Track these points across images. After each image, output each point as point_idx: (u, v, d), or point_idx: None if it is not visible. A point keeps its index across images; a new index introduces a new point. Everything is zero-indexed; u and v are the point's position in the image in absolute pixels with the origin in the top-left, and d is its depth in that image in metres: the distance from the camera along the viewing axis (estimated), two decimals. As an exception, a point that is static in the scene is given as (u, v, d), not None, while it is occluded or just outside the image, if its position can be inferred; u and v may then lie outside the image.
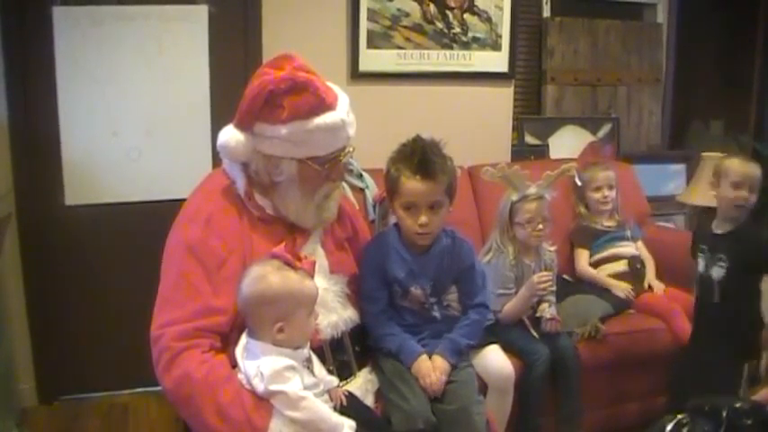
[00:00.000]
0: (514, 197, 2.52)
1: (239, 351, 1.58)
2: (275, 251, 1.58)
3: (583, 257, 3.04)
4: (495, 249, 2.58)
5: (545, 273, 2.49)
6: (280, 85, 1.61)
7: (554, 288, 2.61)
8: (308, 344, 1.61)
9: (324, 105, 1.64)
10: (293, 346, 1.55)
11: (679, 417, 1.07)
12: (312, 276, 1.60)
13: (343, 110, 1.68)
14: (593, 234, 3.05)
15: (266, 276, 1.54)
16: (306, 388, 1.54)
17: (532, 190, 2.50)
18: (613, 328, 2.70)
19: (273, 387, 1.50)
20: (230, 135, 1.67)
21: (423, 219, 1.82)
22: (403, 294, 1.91)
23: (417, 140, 1.87)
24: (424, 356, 1.86)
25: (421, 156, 1.81)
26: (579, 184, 3.07)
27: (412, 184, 1.81)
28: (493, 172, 2.51)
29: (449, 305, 1.98)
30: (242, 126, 1.66)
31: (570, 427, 2.51)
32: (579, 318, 2.68)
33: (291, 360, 1.53)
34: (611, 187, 3.09)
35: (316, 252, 1.77)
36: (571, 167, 2.58)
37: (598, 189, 3.08)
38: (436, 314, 1.95)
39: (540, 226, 2.49)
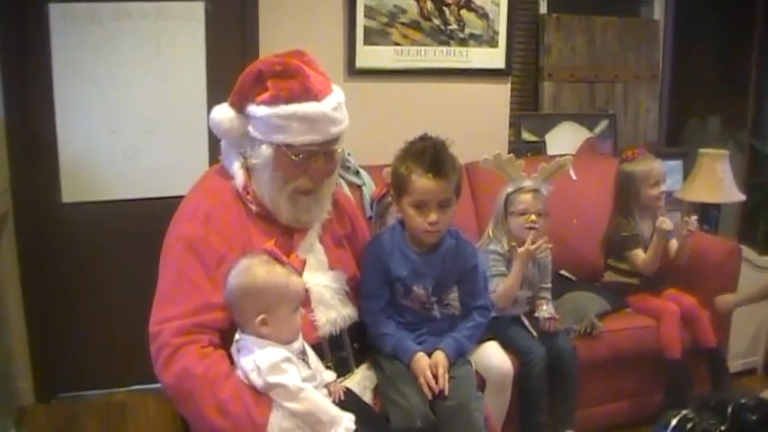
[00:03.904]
0: (510, 189, 2.53)
1: (234, 348, 1.59)
2: (266, 246, 1.58)
3: (640, 256, 2.82)
4: (486, 238, 2.59)
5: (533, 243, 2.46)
6: (271, 67, 1.63)
7: (549, 285, 2.63)
8: (301, 337, 1.61)
9: (308, 95, 1.62)
10: (281, 342, 1.55)
11: (684, 412, 1.07)
12: (300, 274, 1.60)
13: (329, 105, 1.65)
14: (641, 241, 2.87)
15: (252, 268, 1.54)
16: (303, 380, 1.54)
17: (528, 182, 2.51)
18: (609, 326, 2.71)
19: (272, 379, 1.50)
20: (222, 112, 1.70)
21: (433, 217, 1.81)
22: (405, 293, 1.91)
23: (426, 139, 1.86)
24: (420, 354, 1.86)
25: (433, 154, 1.80)
26: (623, 177, 2.90)
27: (423, 183, 1.80)
28: (489, 161, 2.53)
29: (449, 304, 1.98)
30: (233, 103, 1.69)
31: (565, 424, 2.52)
32: (576, 315, 2.69)
33: (287, 352, 1.54)
34: (664, 181, 2.88)
35: (314, 248, 1.77)
36: (566, 161, 2.58)
37: (656, 185, 2.84)
38: (436, 313, 1.94)
39: (534, 218, 2.48)
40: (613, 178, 2.98)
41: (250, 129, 1.67)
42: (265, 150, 1.66)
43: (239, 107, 1.67)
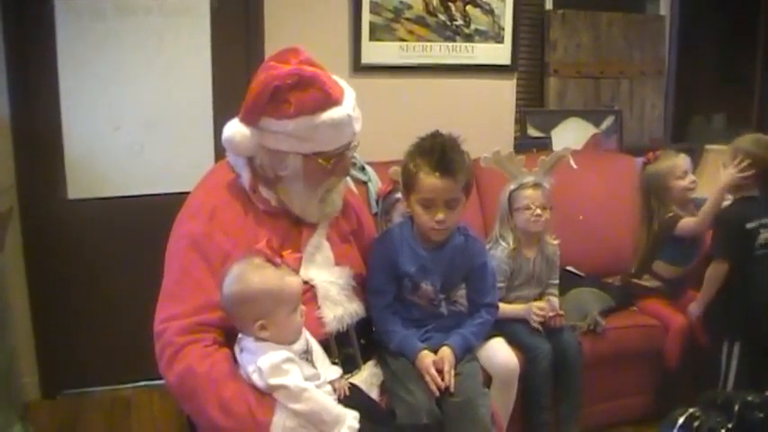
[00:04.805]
0: (513, 186, 2.53)
1: (237, 347, 1.58)
2: (256, 247, 1.56)
3: (690, 220, 2.74)
4: (493, 240, 2.59)
5: (544, 306, 2.50)
6: (286, 80, 1.60)
7: (557, 281, 2.63)
8: (305, 335, 1.60)
9: (330, 101, 1.63)
10: (283, 343, 1.54)
11: (691, 410, 1.07)
12: (297, 272, 1.59)
13: (349, 105, 1.67)
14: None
15: (244, 275, 1.52)
16: (306, 379, 1.53)
17: (530, 177, 2.51)
18: (614, 323, 2.70)
19: (273, 381, 1.49)
20: (235, 129, 1.66)
21: (440, 216, 1.81)
22: (413, 289, 1.91)
23: (436, 136, 1.85)
24: (425, 352, 1.85)
25: (440, 152, 1.79)
26: (649, 179, 2.85)
27: (430, 181, 1.80)
28: (489, 158, 2.52)
29: (456, 301, 1.98)
30: (247, 120, 1.66)
31: (570, 422, 2.52)
32: (579, 312, 2.68)
33: (288, 352, 1.53)
34: (691, 172, 2.84)
35: (321, 245, 1.77)
36: (566, 152, 2.58)
37: (684, 175, 2.81)
38: (443, 310, 1.94)
39: (539, 212, 2.48)
40: (639, 185, 2.92)
41: (269, 142, 1.66)
42: (294, 162, 1.67)
43: (252, 122, 1.65)
